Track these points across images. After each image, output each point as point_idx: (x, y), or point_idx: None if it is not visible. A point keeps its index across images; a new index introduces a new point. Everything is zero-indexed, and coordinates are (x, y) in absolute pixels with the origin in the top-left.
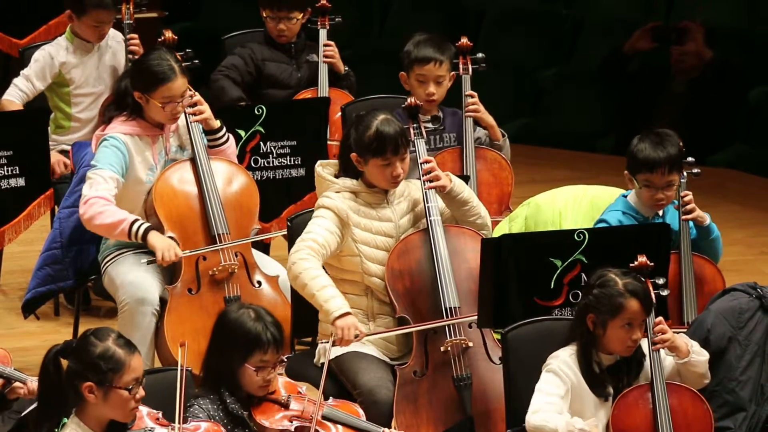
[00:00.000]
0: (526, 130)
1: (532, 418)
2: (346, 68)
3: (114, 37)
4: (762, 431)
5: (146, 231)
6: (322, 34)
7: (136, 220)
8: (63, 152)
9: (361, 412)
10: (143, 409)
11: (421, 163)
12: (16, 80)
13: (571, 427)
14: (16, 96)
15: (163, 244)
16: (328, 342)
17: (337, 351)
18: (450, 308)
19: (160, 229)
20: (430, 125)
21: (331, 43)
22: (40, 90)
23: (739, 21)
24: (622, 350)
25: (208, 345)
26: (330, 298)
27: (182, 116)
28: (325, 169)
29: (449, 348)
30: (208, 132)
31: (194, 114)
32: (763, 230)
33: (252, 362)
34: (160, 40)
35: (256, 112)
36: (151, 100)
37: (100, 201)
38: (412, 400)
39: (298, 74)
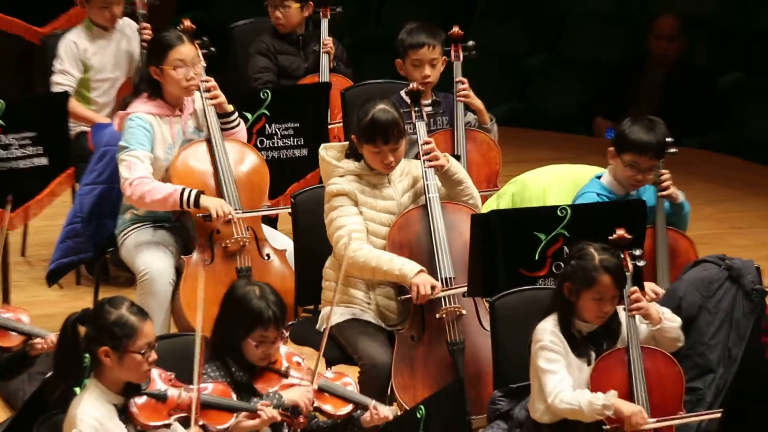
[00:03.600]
0: (514, 113)
1: (557, 402)
2: (334, 63)
3: (130, 25)
4: (729, 391)
5: (197, 196)
6: (324, 23)
7: (184, 189)
8: (82, 133)
9: (352, 382)
10: (155, 371)
11: (421, 144)
12: (55, 78)
13: (595, 406)
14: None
15: (216, 203)
16: (330, 308)
17: (337, 318)
18: (446, 278)
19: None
20: (430, 109)
21: (330, 39)
22: (79, 78)
23: (709, 12)
24: (592, 319)
25: (217, 317)
26: (402, 265)
27: (199, 100)
28: (328, 152)
29: (444, 315)
30: (222, 115)
31: (210, 98)
32: (731, 206)
33: (253, 337)
34: (179, 28)
35: (261, 96)
36: (165, 69)
37: (144, 180)
38: (409, 363)
39: (305, 64)
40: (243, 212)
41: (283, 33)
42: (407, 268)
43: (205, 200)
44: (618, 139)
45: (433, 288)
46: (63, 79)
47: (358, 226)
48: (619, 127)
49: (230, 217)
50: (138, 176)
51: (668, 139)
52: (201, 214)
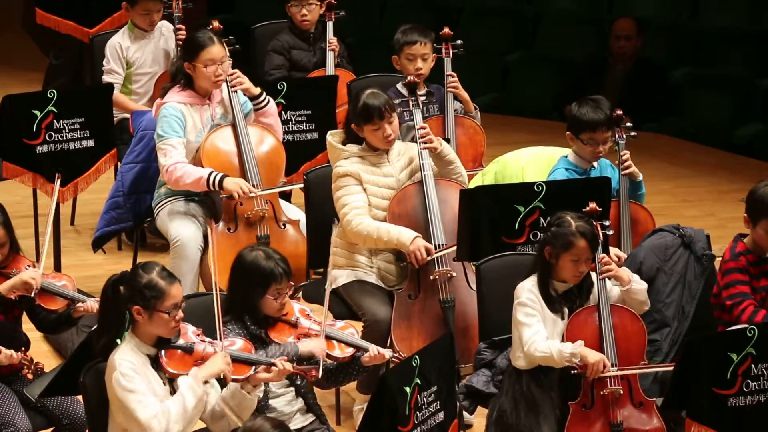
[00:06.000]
0: (496, 102)
1: (532, 350)
2: (338, 59)
3: (167, 26)
4: (682, 343)
5: (221, 179)
6: (329, 25)
7: (211, 173)
8: (124, 119)
9: (354, 332)
10: (189, 327)
11: (417, 129)
12: (104, 77)
13: (564, 354)
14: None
15: (235, 185)
16: (335, 271)
17: (343, 280)
18: (438, 244)
19: None
20: (424, 98)
21: (335, 39)
22: (123, 75)
23: (663, 15)
24: (570, 279)
25: (230, 284)
26: (398, 234)
27: (225, 91)
28: (334, 137)
29: (437, 276)
30: (252, 98)
31: (235, 85)
32: (684, 182)
33: (270, 293)
34: (209, 27)
35: (278, 87)
36: (197, 66)
37: (178, 166)
38: (406, 318)
39: (314, 59)
40: (263, 190)
41: (306, 29)
42: (404, 236)
43: (228, 183)
44: (571, 123)
45: (428, 251)
46: (110, 78)
47: (360, 203)
48: (569, 113)
49: (251, 194)
50: (173, 162)
51: (628, 124)
52: (224, 195)
